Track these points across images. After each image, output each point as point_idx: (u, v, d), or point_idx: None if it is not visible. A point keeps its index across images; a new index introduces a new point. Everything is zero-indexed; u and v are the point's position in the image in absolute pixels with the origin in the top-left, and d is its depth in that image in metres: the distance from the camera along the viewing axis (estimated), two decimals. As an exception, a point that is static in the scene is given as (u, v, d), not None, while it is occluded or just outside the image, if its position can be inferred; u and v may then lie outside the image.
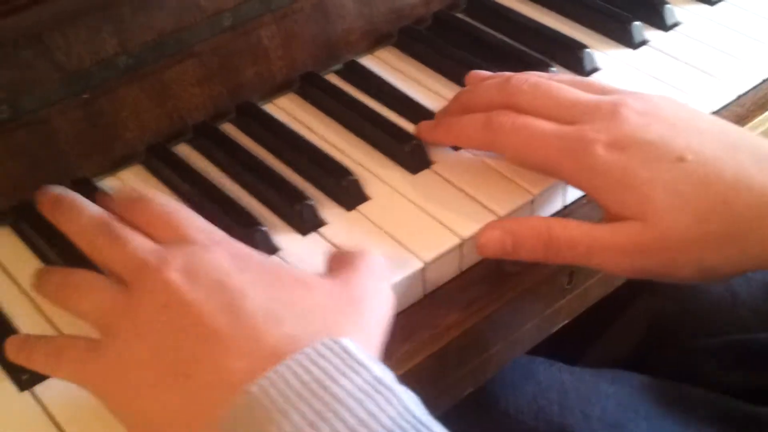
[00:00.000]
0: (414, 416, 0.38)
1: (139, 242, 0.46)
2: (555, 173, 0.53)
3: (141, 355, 0.41)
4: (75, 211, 0.49)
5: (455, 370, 0.54)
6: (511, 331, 0.56)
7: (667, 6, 0.70)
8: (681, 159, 0.49)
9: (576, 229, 0.50)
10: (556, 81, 0.55)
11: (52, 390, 0.46)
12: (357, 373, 0.38)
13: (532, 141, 0.52)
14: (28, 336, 0.48)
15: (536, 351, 0.62)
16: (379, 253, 0.50)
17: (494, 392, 0.64)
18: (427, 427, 0.37)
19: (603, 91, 0.54)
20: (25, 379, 0.46)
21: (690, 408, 0.64)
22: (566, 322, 0.61)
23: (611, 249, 0.49)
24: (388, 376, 0.39)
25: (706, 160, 0.49)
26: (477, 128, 0.55)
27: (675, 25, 0.70)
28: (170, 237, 0.46)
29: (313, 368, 0.38)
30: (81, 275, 0.46)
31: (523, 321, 0.57)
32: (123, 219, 0.48)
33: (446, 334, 0.51)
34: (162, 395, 0.40)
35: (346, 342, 0.39)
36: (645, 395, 0.64)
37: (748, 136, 0.52)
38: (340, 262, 0.47)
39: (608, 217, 0.51)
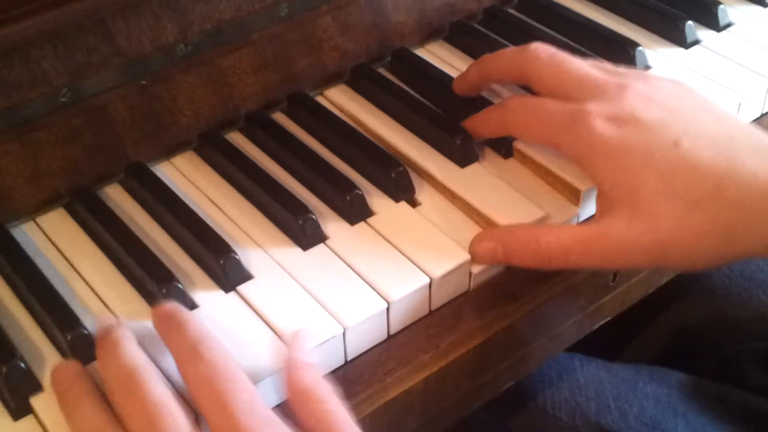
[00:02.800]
0: None
1: (179, 427, 0.41)
2: (557, 147, 0.54)
3: None
4: (117, 352, 0.45)
5: (497, 364, 0.54)
6: (554, 327, 0.57)
7: (721, 6, 0.69)
8: (676, 144, 0.49)
9: (566, 235, 0.50)
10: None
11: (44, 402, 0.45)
12: None
13: (539, 117, 0.53)
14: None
15: (573, 349, 0.62)
16: (426, 245, 0.52)
17: (532, 388, 0.64)
18: None
19: (614, 71, 0.55)
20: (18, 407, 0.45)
21: (729, 408, 0.64)
22: (607, 320, 0.61)
23: (604, 249, 0.49)
24: None
25: (701, 146, 0.49)
26: (491, 113, 0.57)
27: (728, 25, 0.70)
28: (215, 416, 0.41)
29: None
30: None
31: (565, 317, 0.57)
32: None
33: (490, 327, 0.52)
34: None
35: None
36: (683, 394, 0.64)
37: (744, 125, 0.52)
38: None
39: (599, 203, 0.51)
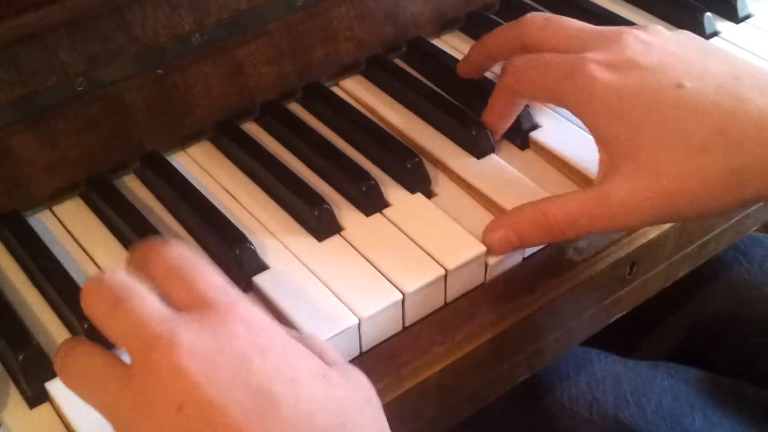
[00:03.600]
0: None
1: (146, 305, 0.39)
2: (556, 99, 0.52)
3: None
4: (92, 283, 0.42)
5: (512, 356, 0.54)
6: (570, 320, 0.56)
7: (740, -2, 0.69)
8: (679, 86, 0.48)
9: (572, 203, 0.49)
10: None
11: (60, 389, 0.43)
12: None
13: (540, 70, 0.52)
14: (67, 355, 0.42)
15: (589, 343, 0.62)
16: (441, 237, 0.52)
17: (549, 381, 0.64)
18: None
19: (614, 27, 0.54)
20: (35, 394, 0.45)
21: (746, 404, 0.63)
22: (623, 313, 0.61)
23: (610, 211, 0.48)
24: None
25: (705, 87, 0.47)
26: (500, 84, 0.55)
27: (747, 17, 0.69)
28: (182, 296, 0.40)
29: None
30: (82, 356, 0.40)
31: (582, 310, 0.57)
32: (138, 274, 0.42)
33: (506, 319, 0.52)
34: None
35: None
36: (700, 390, 0.64)
37: (752, 66, 0.50)
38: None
39: (602, 161, 0.50)
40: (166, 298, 0.40)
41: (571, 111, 0.52)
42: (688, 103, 0.47)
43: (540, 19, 0.55)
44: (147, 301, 0.39)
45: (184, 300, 0.40)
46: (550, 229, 0.49)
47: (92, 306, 0.40)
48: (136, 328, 0.38)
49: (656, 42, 0.50)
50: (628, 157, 0.48)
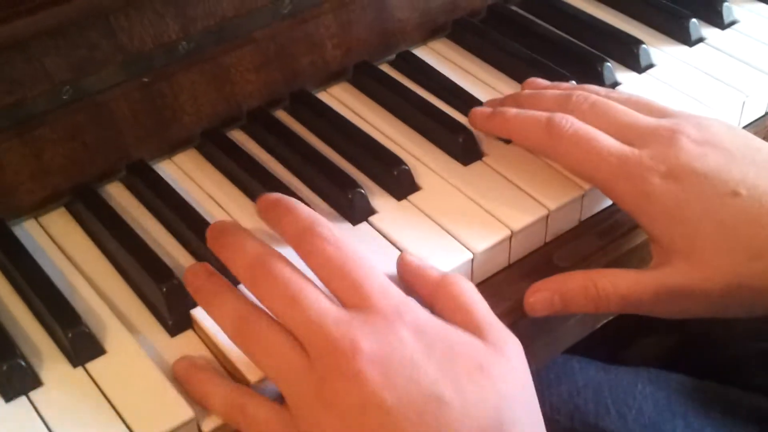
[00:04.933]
0: None
1: (319, 304, 0.42)
2: (608, 192, 0.53)
3: None
4: (239, 245, 0.46)
5: (500, 362, 0.54)
6: (556, 326, 0.56)
7: (725, 4, 0.69)
8: (735, 194, 0.49)
9: (623, 281, 0.50)
10: (615, 100, 0.54)
11: (44, 398, 0.45)
12: None
13: (591, 156, 0.51)
14: (207, 373, 0.45)
15: (574, 349, 0.62)
16: (428, 244, 0.52)
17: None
18: None
19: (662, 113, 0.54)
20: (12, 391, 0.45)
21: (728, 409, 0.63)
22: (610, 319, 0.61)
23: (660, 298, 0.49)
24: None
25: (760, 195, 0.49)
26: (537, 128, 0.54)
27: (732, 23, 0.69)
28: (349, 295, 0.43)
29: None
30: (261, 325, 0.43)
31: (568, 316, 0.57)
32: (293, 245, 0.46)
33: (493, 325, 0.52)
34: None
35: None
36: (682, 396, 0.64)
37: None
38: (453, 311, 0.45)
39: (655, 251, 0.51)
40: (329, 288, 0.43)
41: (622, 206, 0.52)
42: (743, 211, 0.48)
43: (588, 106, 0.54)
44: (320, 297, 0.43)
45: (347, 297, 0.43)
46: (598, 301, 0.50)
47: (265, 291, 0.44)
48: (315, 326, 0.41)
49: (710, 142, 0.51)
50: (683, 255, 0.49)
